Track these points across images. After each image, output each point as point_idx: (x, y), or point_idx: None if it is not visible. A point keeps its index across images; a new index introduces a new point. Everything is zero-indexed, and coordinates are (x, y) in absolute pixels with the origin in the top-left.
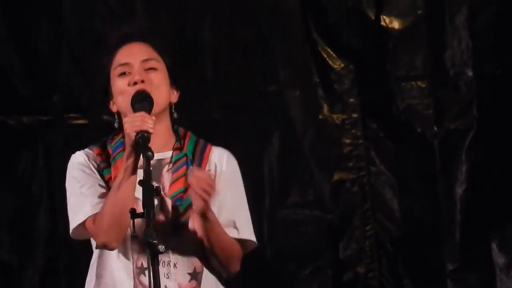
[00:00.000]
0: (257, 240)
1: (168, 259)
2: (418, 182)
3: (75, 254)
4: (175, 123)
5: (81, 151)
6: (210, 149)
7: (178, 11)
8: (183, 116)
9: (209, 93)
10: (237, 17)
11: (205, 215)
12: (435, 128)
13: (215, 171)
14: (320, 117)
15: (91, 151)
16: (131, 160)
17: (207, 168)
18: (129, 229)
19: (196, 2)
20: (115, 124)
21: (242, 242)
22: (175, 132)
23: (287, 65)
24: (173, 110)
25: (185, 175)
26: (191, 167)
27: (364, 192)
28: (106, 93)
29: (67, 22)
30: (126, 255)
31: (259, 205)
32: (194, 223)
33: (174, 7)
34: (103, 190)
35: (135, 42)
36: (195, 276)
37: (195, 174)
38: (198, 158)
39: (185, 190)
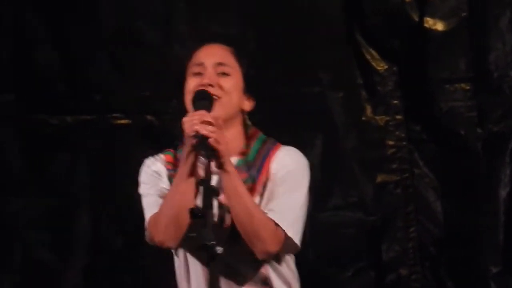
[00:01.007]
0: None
1: (224, 264)
2: (461, 184)
3: (115, 256)
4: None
5: (153, 157)
6: (276, 151)
7: (217, 11)
8: None
9: (252, 95)
10: (278, 18)
11: (221, 162)
12: (479, 131)
13: (276, 173)
14: (363, 119)
15: (162, 156)
16: (190, 160)
17: (271, 172)
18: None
19: (237, 2)
20: None
21: (285, 238)
22: (246, 135)
23: (330, 67)
24: (246, 119)
25: (245, 181)
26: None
27: (407, 194)
28: (182, 90)
29: (107, 21)
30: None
31: None
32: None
33: (214, 7)
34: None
35: (216, 43)
36: (255, 282)
37: (186, 119)
38: (258, 163)
39: None
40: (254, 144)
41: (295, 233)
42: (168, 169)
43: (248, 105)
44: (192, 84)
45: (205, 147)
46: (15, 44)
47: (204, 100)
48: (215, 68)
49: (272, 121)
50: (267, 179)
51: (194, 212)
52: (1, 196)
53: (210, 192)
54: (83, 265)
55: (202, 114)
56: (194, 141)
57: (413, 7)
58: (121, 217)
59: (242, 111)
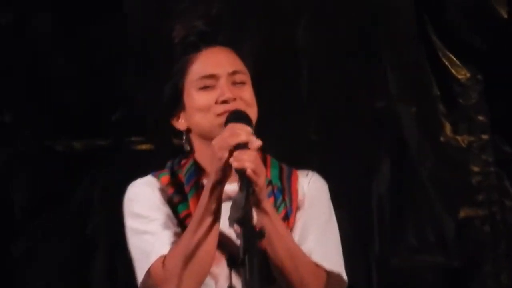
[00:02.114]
0: None
1: None
2: None
3: None
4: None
5: (142, 179)
6: (297, 175)
7: (265, 10)
8: (273, 138)
9: (304, 110)
10: (337, 17)
11: (259, 199)
12: None
13: (303, 199)
14: (441, 139)
15: (154, 179)
16: (216, 193)
17: (299, 198)
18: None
19: (289, 2)
20: (185, 146)
21: (326, 273)
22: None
23: (399, 75)
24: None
25: (277, 207)
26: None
27: (497, 232)
28: (174, 106)
29: (130, 25)
30: None
31: (366, 249)
32: None
33: (260, 5)
34: (178, 229)
35: (219, 46)
36: None
37: (216, 141)
38: (286, 186)
39: None
40: (271, 167)
41: (341, 269)
42: (171, 194)
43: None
44: (204, 100)
45: (242, 179)
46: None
47: (242, 122)
48: (230, 78)
49: (328, 142)
50: (296, 208)
51: (233, 260)
52: (4, 240)
53: (253, 235)
54: None
55: (242, 128)
56: (222, 165)
57: (501, 1)
58: None
59: None
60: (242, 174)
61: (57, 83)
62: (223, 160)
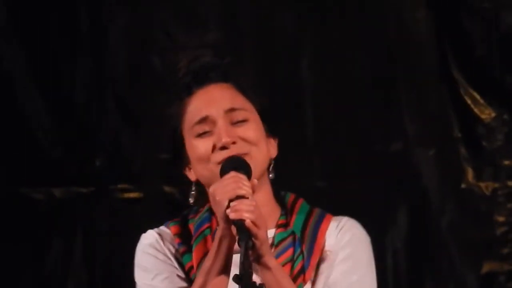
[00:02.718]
0: None
1: None
2: None
3: None
4: (278, 188)
5: (155, 229)
6: (328, 223)
7: (265, 44)
8: (273, 184)
9: (310, 155)
10: (345, 51)
11: (259, 254)
12: None
13: (331, 250)
14: (463, 186)
15: (167, 230)
16: (223, 246)
17: (325, 249)
18: None
19: (291, 33)
20: (190, 198)
21: None
22: (280, 200)
23: (417, 115)
24: (270, 169)
25: (291, 260)
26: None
27: None
28: (179, 157)
29: (113, 60)
30: None
31: None
32: None
33: (260, 38)
34: (184, 284)
35: (214, 83)
36: None
37: (214, 189)
38: (310, 236)
39: (293, 281)
40: (298, 214)
41: None
42: (177, 244)
43: (274, 148)
44: (201, 149)
45: (240, 231)
46: None
47: (238, 170)
48: (228, 117)
49: (337, 190)
50: (319, 260)
51: None
52: None
53: None
54: None
55: (236, 177)
56: (226, 217)
57: None
58: None
59: (269, 160)
60: (240, 226)
61: (34, 125)
62: (224, 206)
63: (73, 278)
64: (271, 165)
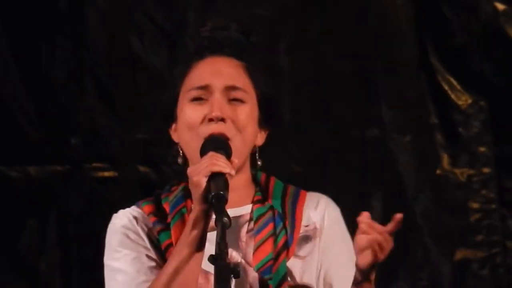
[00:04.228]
0: None
1: None
2: None
3: None
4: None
5: (126, 209)
6: (304, 197)
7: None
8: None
9: (287, 140)
10: (323, 38)
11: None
12: None
13: (315, 228)
14: (438, 172)
15: (139, 209)
16: (200, 225)
17: (303, 224)
18: None
19: (270, 20)
20: (179, 159)
21: None
22: (255, 180)
23: (394, 102)
24: (257, 156)
25: (273, 235)
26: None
27: (497, 277)
28: (170, 116)
29: (92, 41)
30: None
31: None
32: None
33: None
34: (152, 264)
35: (223, 55)
36: None
37: (367, 222)
38: (289, 212)
39: (276, 257)
40: (274, 190)
41: None
42: (153, 223)
43: (262, 138)
44: (192, 115)
45: (220, 209)
46: None
47: (218, 150)
48: (226, 93)
49: (314, 175)
50: (302, 237)
51: None
52: None
53: (226, 273)
54: None
55: (213, 156)
56: (202, 192)
57: (509, 21)
58: None
59: (254, 147)
60: (217, 205)
61: (10, 103)
62: (202, 186)
63: (47, 257)
64: (257, 153)
